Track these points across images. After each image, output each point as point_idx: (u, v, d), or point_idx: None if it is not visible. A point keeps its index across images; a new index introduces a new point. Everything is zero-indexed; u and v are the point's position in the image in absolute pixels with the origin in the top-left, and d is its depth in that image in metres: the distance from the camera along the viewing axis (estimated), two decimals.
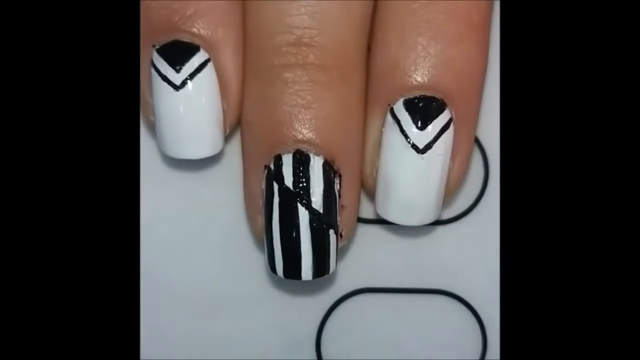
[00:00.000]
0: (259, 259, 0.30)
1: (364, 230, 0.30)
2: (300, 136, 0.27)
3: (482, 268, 0.30)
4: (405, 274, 0.30)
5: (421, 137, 0.27)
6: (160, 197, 0.30)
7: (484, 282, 0.30)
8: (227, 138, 0.29)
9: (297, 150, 0.27)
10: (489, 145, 0.30)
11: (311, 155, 0.27)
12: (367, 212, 0.30)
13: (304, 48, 0.26)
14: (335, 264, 0.28)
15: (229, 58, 0.27)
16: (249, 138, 0.28)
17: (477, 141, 0.30)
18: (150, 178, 0.29)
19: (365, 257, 0.30)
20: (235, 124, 0.28)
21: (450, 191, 0.29)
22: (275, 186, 0.27)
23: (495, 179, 0.30)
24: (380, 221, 0.29)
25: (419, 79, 0.27)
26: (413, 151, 0.27)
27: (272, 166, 0.27)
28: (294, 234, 0.27)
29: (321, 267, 0.27)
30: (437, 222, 0.30)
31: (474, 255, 0.30)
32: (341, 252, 0.29)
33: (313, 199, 0.27)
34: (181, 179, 0.30)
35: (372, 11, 0.28)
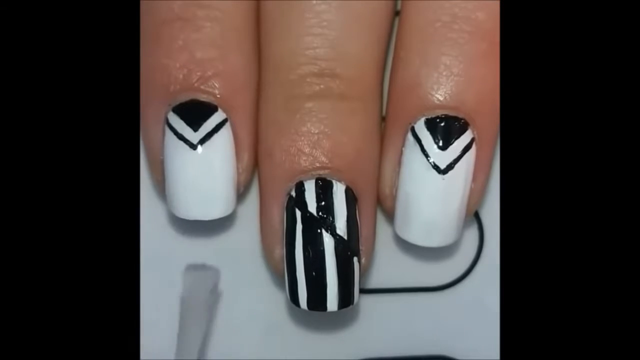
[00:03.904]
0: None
1: (360, 300, 0.29)
2: (322, 163, 0.27)
3: (482, 332, 0.30)
4: (405, 341, 0.30)
5: (443, 158, 0.27)
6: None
7: (484, 346, 0.30)
8: None
9: (319, 176, 0.27)
10: (484, 208, 0.30)
11: (334, 182, 0.27)
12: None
13: (327, 78, 0.27)
14: (358, 294, 0.27)
15: (245, 119, 0.27)
16: (269, 167, 0.27)
17: None
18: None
19: (363, 326, 0.30)
20: (247, 185, 0.29)
21: (469, 212, 0.28)
22: (298, 213, 0.26)
23: (491, 241, 0.30)
24: (377, 290, 0.29)
25: (441, 98, 0.27)
26: (434, 171, 0.27)
27: (293, 193, 0.27)
28: (319, 261, 0.26)
29: (346, 296, 0.27)
30: (435, 288, 0.30)
31: (473, 319, 0.30)
32: (338, 322, 0.29)
33: (337, 224, 0.26)
34: None
35: (390, 34, 0.28)
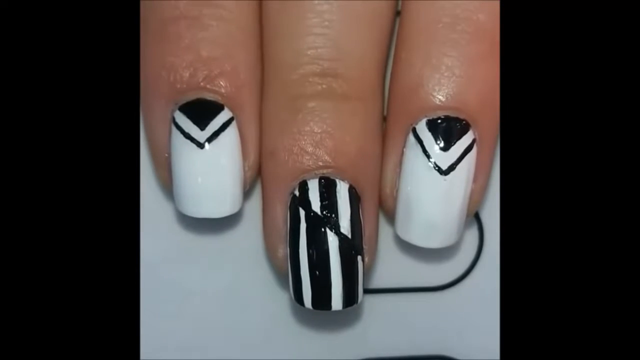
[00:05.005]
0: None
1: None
2: (325, 162, 0.27)
3: (482, 332, 0.30)
4: (405, 341, 0.30)
5: (444, 158, 0.27)
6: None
7: (484, 346, 0.30)
8: None
9: (323, 175, 0.27)
10: (484, 208, 0.30)
11: (337, 181, 0.27)
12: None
13: (329, 78, 0.27)
14: (362, 293, 0.27)
15: (251, 117, 0.28)
16: (272, 167, 0.27)
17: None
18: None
19: (363, 326, 0.30)
20: (253, 182, 0.29)
21: (470, 213, 0.28)
22: (302, 212, 0.26)
23: (491, 241, 0.30)
24: (377, 290, 0.30)
25: (442, 99, 0.27)
26: (436, 172, 0.27)
27: (297, 192, 0.27)
28: (323, 260, 0.26)
29: (351, 295, 0.27)
30: (435, 288, 0.30)
31: (473, 319, 0.30)
32: (338, 322, 0.29)
33: (341, 223, 0.26)
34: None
35: (392, 34, 0.28)
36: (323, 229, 0.26)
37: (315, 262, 0.26)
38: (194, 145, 0.27)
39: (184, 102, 0.27)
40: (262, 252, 0.29)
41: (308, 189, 0.26)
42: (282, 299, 0.29)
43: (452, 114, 0.27)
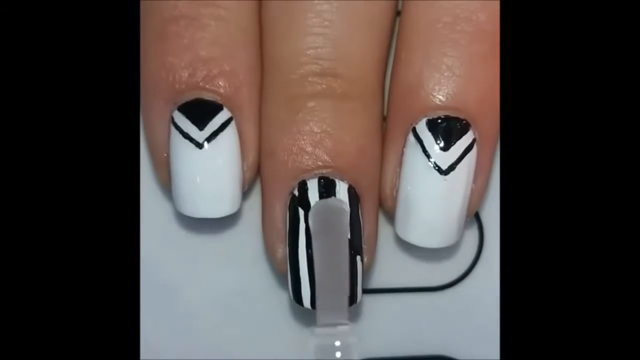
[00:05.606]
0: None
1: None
2: (324, 162, 0.27)
3: (482, 332, 0.30)
4: (405, 341, 0.30)
5: (444, 158, 0.27)
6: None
7: (484, 346, 0.30)
8: None
9: (322, 175, 0.27)
10: (484, 208, 0.30)
11: (336, 181, 0.27)
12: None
13: (329, 78, 0.27)
14: (361, 293, 0.27)
15: (250, 117, 0.28)
16: (272, 166, 0.27)
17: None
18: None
19: (363, 326, 0.30)
20: (252, 183, 0.29)
21: (470, 213, 0.28)
22: (301, 212, 0.26)
23: (491, 241, 0.30)
24: (377, 290, 0.30)
25: (442, 99, 0.27)
26: (436, 172, 0.27)
27: (296, 192, 0.27)
28: None
29: (350, 295, 0.27)
30: (435, 288, 0.30)
31: (473, 319, 0.30)
32: None
33: None
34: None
35: (392, 34, 0.28)
36: None
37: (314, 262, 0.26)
38: (192, 145, 0.27)
39: (183, 102, 0.27)
40: (261, 252, 0.29)
41: (307, 189, 0.27)
42: (282, 299, 0.29)
43: (452, 114, 0.27)
